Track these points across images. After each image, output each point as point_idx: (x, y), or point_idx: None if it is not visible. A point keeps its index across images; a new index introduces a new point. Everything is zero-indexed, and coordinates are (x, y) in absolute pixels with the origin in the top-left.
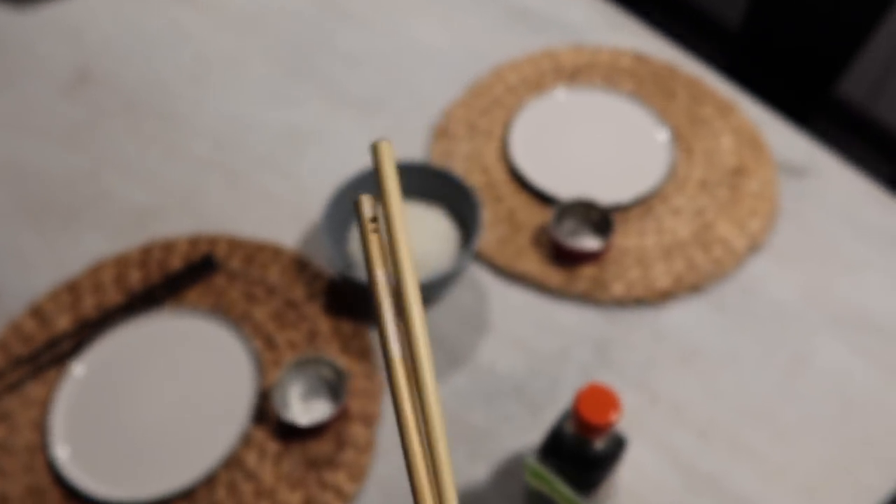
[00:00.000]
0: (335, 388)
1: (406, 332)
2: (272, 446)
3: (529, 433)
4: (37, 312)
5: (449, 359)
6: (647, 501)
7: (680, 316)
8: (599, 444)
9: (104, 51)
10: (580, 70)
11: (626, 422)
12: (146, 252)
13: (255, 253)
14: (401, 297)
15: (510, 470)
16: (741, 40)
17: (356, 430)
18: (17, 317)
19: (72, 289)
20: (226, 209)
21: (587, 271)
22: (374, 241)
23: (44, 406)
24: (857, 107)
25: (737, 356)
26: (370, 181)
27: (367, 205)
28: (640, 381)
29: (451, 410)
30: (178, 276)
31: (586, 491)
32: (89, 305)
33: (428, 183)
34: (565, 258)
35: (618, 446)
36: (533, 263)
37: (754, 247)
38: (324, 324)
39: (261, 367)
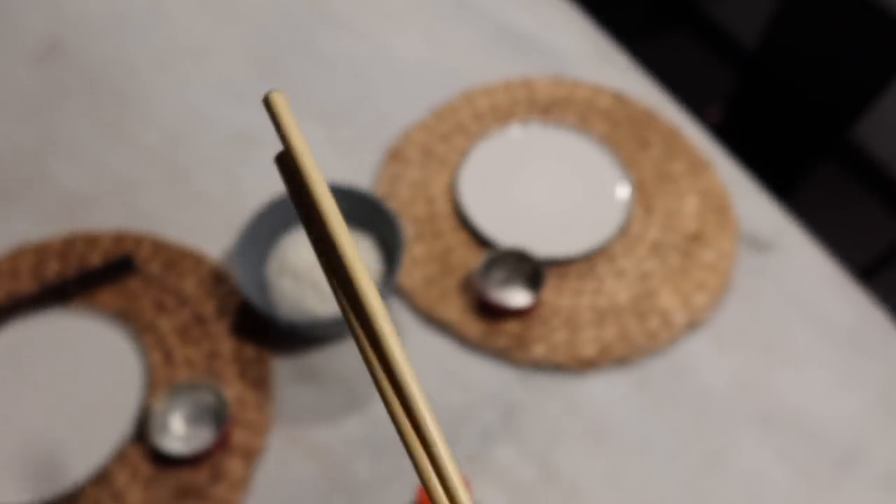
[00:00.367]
0: (220, 416)
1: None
2: (146, 468)
3: (407, 496)
4: None
5: (347, 402)
6: None
7: (599, 389)
8: None
9: (79, 23)
10: (555, 104)
11: (515, 497)
12: (69, 244)
13: (178, 259)
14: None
15: None
16: (757, 61)
17: (234, 464)
18: None
19: None
20: (160, 208)
21: (511, 327)
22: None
23: None
24: (878, 160)
25: (650, 442)
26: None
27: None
28: (542, 454)
29: (337, 456)
30: (94, 275)
31: None
32: (0, 292)
33: (357, 208)
34: (489, 311)
35: None
36: (455, 311)
37: (694, 323)
38: (227, 345)
39: (151, 384)
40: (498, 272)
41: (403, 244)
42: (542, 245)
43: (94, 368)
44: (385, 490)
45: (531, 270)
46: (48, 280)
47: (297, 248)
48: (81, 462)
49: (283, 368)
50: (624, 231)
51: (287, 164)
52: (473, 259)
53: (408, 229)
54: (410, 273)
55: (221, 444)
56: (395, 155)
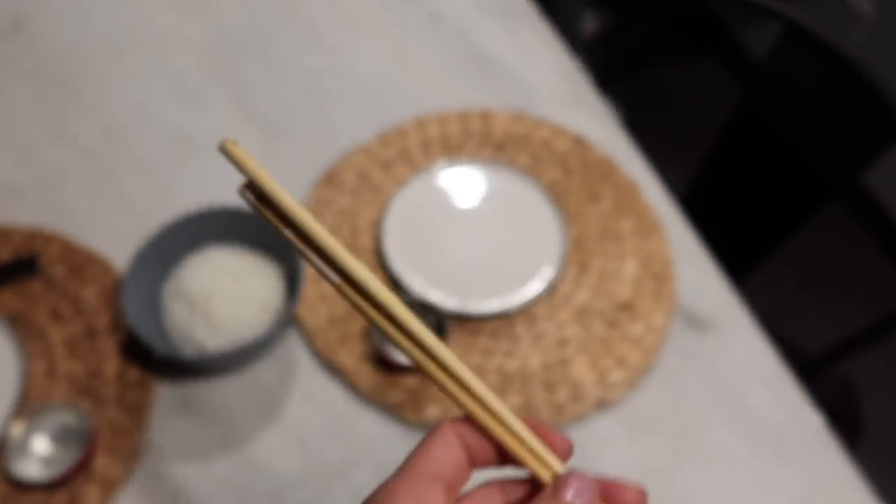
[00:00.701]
0: (82, 440)
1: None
2: (1, 491)
3: None
4: None
5: (221, 439)
6: None
7: None
8: None
9: (44, 3)
10: (510, 141)
11: None
12: None
13: (84, 265)
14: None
15: None
16: (765, 75)
17: (91, 494)
18: None
19: None
20: (81, 207)
21: (409, 382)
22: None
23: None
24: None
25: None
26: (202, 224)
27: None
28: None
29: (199, 499)
30: None
31: None
32: None
33: (264, 234)
34: (384, 364)
35: None
36: (352, 358)
37: (605, 403)
38: (112, 364)
39: (25, 400)
40: None
41: (302, 278)
42: (458, 297)
43: None
44: None
45: (434, 325)
46: None
47: (196, 273)
48: None
49: (165, 395)
50: (551, 291)
51: (259, 196)
52: None
53: None
54: (316, 310)
55: (80, 470)
56: (330, 177)
